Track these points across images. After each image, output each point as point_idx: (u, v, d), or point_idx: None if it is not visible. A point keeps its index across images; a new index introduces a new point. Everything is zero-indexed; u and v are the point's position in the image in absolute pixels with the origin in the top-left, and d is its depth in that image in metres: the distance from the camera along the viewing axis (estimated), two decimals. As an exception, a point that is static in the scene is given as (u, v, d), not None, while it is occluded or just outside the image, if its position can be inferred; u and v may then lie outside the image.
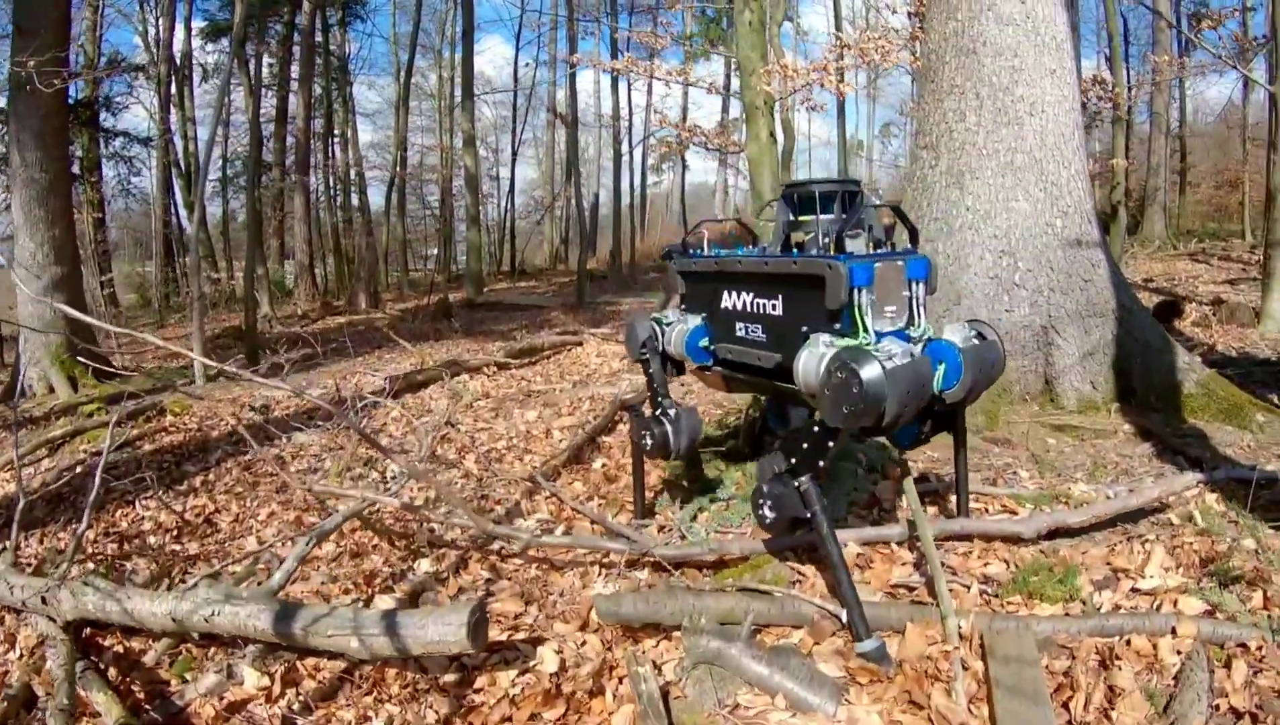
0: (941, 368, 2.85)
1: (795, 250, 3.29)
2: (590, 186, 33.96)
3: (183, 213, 26.25)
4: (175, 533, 4.97)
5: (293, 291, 24.56)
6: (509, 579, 3.61)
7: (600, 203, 33.52)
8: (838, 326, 2.87)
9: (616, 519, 4.06)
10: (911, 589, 3.25)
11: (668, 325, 3.67)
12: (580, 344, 10.36)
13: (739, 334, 3.35)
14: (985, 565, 3.46)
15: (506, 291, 25.20)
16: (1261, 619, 2.94)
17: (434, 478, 3.60)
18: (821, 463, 2.92)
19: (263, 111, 27.42)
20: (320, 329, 17.96)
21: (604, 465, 4.99)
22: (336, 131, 30.57)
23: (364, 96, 34.10)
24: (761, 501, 3.04)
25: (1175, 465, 4.82)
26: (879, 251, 3.10)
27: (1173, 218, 28.04)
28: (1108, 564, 3.47)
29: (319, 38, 26.88)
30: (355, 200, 29.94)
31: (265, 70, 27.88)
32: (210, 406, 8.78)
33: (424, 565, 3.82)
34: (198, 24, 27.58)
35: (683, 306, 3.70)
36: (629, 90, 34.44)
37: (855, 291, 2.78)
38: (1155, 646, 2.81)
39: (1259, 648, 2.78)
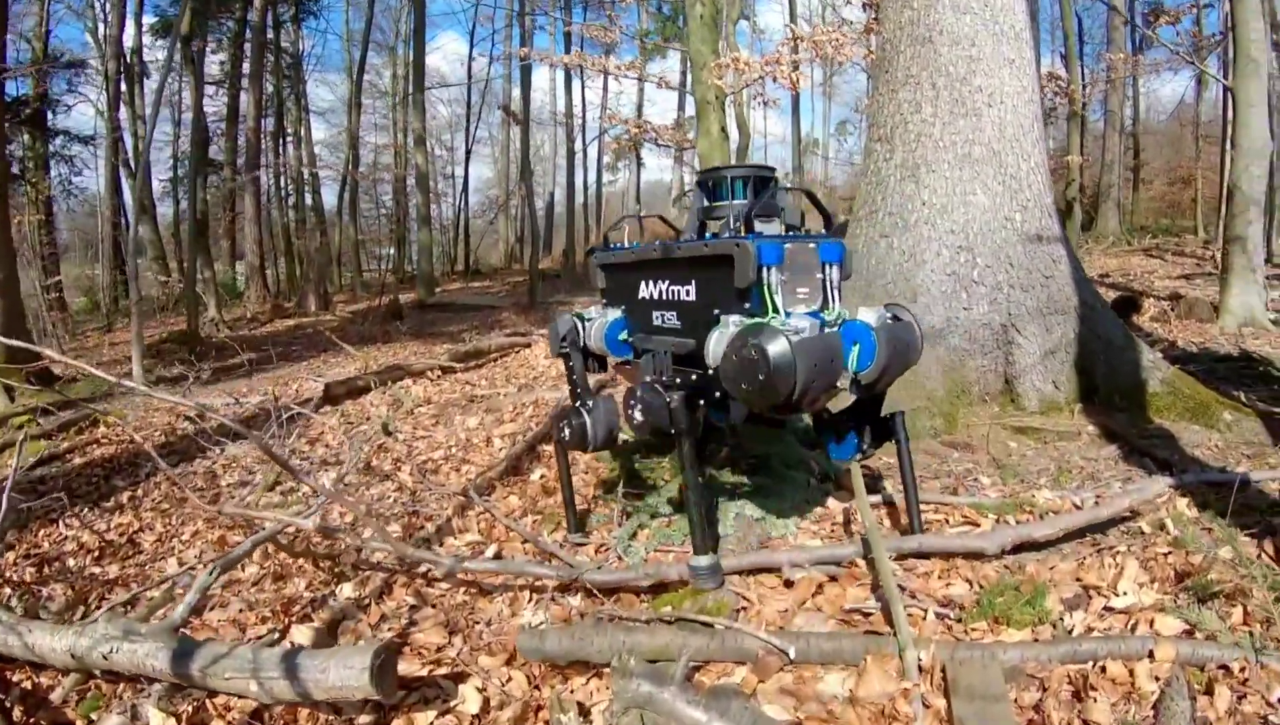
0: (856, 348, 2.85)
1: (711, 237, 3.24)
2: (545, 185, 33.74)
3: (133, 213, 25.42)
4: (97, 554, 4.68)
5: (243, 293, 24.08)
6: (434, 606, 3.30)
7: (555, 202, 33.23)
8: (748, 307, 2.85)
9: (553, 537, 3.78)
10: (867, 615, 2.98)
11: (588, 321, 3.64)
12: (529, 346, 10.04)
13: (655, 323, 3.34)
14: (947, 586, 3.21)
15: (460, 292, 24.84)
16: (1243, 638, 2.72)
17: (349, 498, 3.27)
18: (702, 403, 3.01)
19: (214, 110, 27.14)
20: (268, 332, 17.71)
21: (543, 477, 4.67)
22: (289, 130, 30.05)
23: (318, 95, 33.46)
24: (634, 403, 3.10)
25: (1143, 468, 4.64)
26: (791, 234, 3.12)
27: (1126, 214, 28.40)
28: (1077, 580, 3.24)
29: (271, 35, 26.38)
30: (309, 200, 29.43)
31: (218, 68, 27.37)
32: (145, 417, 8.42)
33: (346, 590, 3.50)
34: (149, 20, 26.92)
35: (604, 301, 3.70)
36: (583, 88, 34.37)
37: (764, 271, 2.79)
38: (1132, 672, 2.59)
39: (1242, 669, 2.56)
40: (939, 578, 3.27)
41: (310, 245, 25.84)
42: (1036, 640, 2.81)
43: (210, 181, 27.00)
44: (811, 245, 2.99)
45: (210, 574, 2.99)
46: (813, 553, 3.26)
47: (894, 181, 5.95)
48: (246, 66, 24.30)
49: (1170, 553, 3.39)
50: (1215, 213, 23.64)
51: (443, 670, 2.84)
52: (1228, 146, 20.93)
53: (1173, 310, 11.35)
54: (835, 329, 2.91)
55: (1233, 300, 10.71)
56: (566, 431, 3.53)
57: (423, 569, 3.55)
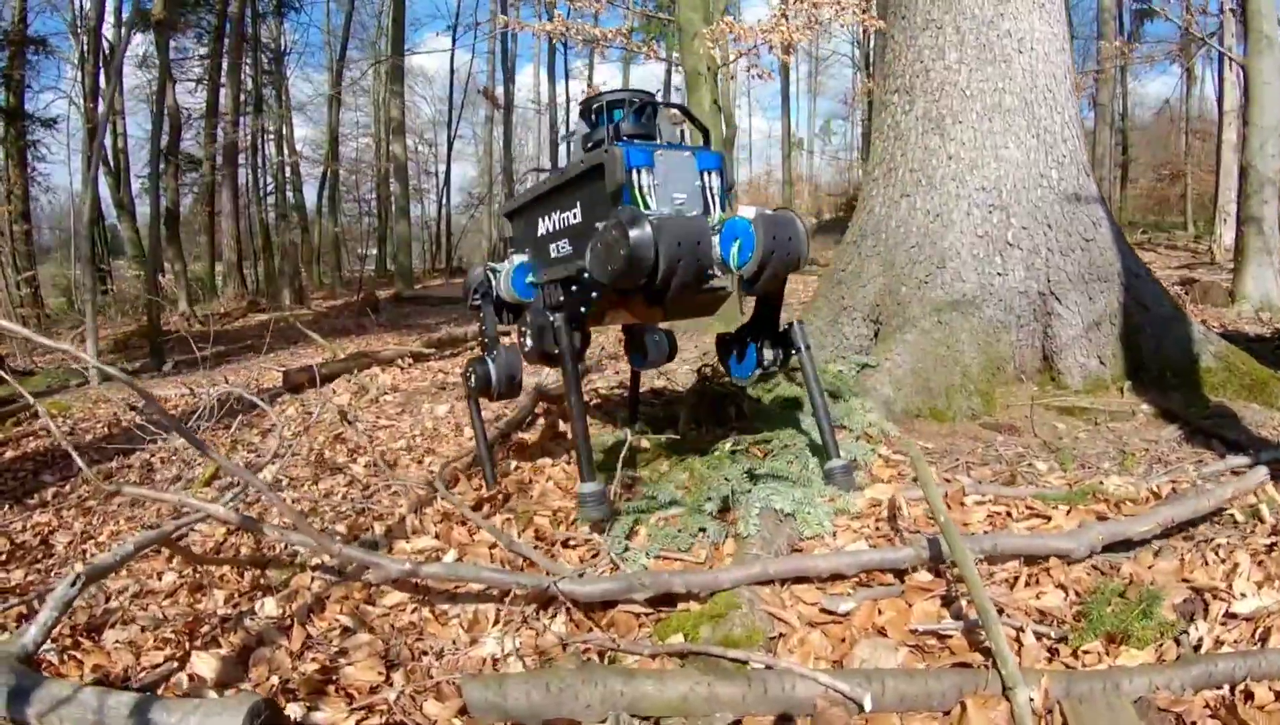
0: (737, 244, 2.83)
1: None
2: (529, 183, 33.06)
3: (111, 209, 24.85)
4: (4, 558, 4.05)
5: (219, 289, 23.42)
6: (373, 629, 2.55)
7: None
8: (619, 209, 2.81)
9: (527, 539, 3.07)
10: (944, 638, 2.28)
11: (497, 271, 3.67)
12: (508, 333, 9.29)
13: (553, 256, 3.34)
14: (1038, 596, 2.53)
15: (440, 287, 24.11)
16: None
17: (273, 493, 2.51)
18: (582, 310, 2.99)
19: (195, 104, 26.38)
20: (240, 327, 17.22)
21: (518, 467, 3.96)
22: (271, 127, 29.32)
23: (300, 91, 32.72)
24: (525, 330, 3.18)
25: (1210, 450, 4.08)
26: (665, 145, 3.08)
27: (1116, 210, 28.00)
28: (1184, 582, 2.59)
29: (254, 29, 25.71)
30: (290, 197, 28.74)
31: (198, 64, 26.67)
32: (89, 408, 7.71)
33: (269, 607, 2.76)
34: (129, 12, 26.07)
35: (511, 250, 3.74)
36: (566, 81, 33.72)
37: (634, 173, 2.82)
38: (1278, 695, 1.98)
39: None
40: (1026, 585, 2.59)
41: (286, 239, 25.07)
42: (1161, 660, 2.15)
43: (188, 177, 26.37)
44: (686, 153, 3.00)
45: (73, 585, 2.26)
46: (861, 557, 2.55)
47: (915, 135, 5.33)
48: (226, 61, 23.64)
49: (1276, 544, 2.79)
50: (1204, 210, 23.40)
51: (376, 722, 2.12)
52: (1227, 133, 20.85)
53: (1187, 295, 10.87)
54: (716, 230, 2.88)
55: (1248, 283, 10.35)
56: (473, 378, 3.53)
57: (363, 581, 2.83)
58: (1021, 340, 5.07)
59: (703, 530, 2.85)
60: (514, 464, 3.99)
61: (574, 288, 3.01)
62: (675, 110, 3.28)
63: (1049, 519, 3.14)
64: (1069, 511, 3.18)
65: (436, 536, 3.19)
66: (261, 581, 2.93)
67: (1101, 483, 3.46)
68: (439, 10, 66.91)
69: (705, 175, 3.03)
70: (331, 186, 28.55)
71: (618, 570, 2.68)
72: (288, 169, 29.00)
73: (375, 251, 32.49)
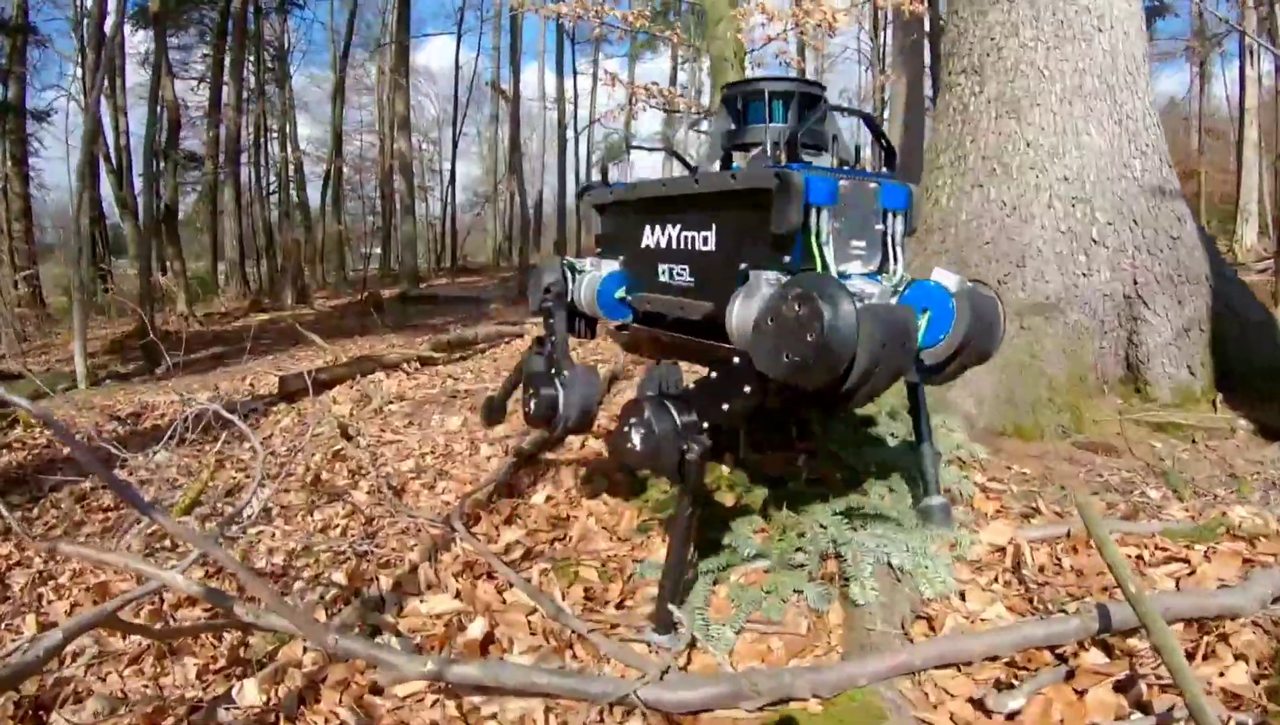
0: (925, 317, 2.19)
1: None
2: (534, 184, 32.76)
3: (112, 207, 24.44)
4: None
5: (221, 289, 22.98)
6: (380, 726, 1.99)
7: (545, 200, 32.27)
8: (787, 261, 2.13)
9: (574, 600, 2.49)
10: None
11: (580, 272, 2.93)
12: (521, 336, 8.71)
13: (661, 279, 2.60)
14: (1222, 672, 1.97)
15: (446, 287, 23.60)
16: None
17: (223, 551, 1.91)
18: (725, 409, 2.19)
19: (197, 102, 25.97)
20: (241, 327, 16.70)
21: (550, 499, 3.37)
22: (274, 125, 28.90)
23: (304, 90, 32.30)
24: (633, 423, 2.26)
25: None
26: (847, 169, 2.42)
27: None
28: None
29: (256, 26, 25.33)
30: (294, 196, 28.29)
31: (202, 63, 26.32)
32: (71, 415, 7.13)
33: (249, 692, 2.18)
34: (130, 10, 25.67)
35: (599, 251, 2.97)
36: (574, 77, 33.23)
37: (813, 213, 2.09)
38: None
39: None
40: (1205, 659, 2.04)
41: (289, 236, 24.58)
42: None
43: (191, 176, 26.02)
44: (873, 185, 2.29)
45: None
46: (1022, 633, 1.98)
47: (987, 119, 4.78)
48: (228, 58, 23.24)
49: None
50: (1216, 209, 22.88)
51: None
52: (1249, 131, 20.34)
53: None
54: (898, 299, 2.22)
55: (1297, 286, 9.69)
56: (533, 403, 2.84)
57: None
58: (1105, 348, 4.53)
59: (798, 592, 2.27)
60: (544, 494, 3.40)
61: (714, 390, 2.22)
62: (860, 117, 2.63)
63: (1187, 562, 2.63)
64: (1206, 552, 2.67)
65: (458, 595, 2.59)
66: (242, 652, 2.35)
67: (1224, 514, 2.99)
68: (443, 8, 66.19)
69: (890, 216, 2.32)
70: (335, 184, 28.04)
71: (693, 648, 2.11)
72: (291, 167, 28.61)
73: (379, 251, 32.02)
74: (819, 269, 2.10)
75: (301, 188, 29.14)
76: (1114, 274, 4.50)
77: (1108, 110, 4.66)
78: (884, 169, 2.51)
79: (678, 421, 2.19)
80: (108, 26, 23.05)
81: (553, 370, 2.88)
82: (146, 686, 2.30)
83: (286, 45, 29.47)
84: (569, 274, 2.94)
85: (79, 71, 23.33)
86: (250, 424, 5.64)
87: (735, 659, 2.06)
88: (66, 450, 5.90)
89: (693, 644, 2.11)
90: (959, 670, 1.97)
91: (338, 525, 3.49)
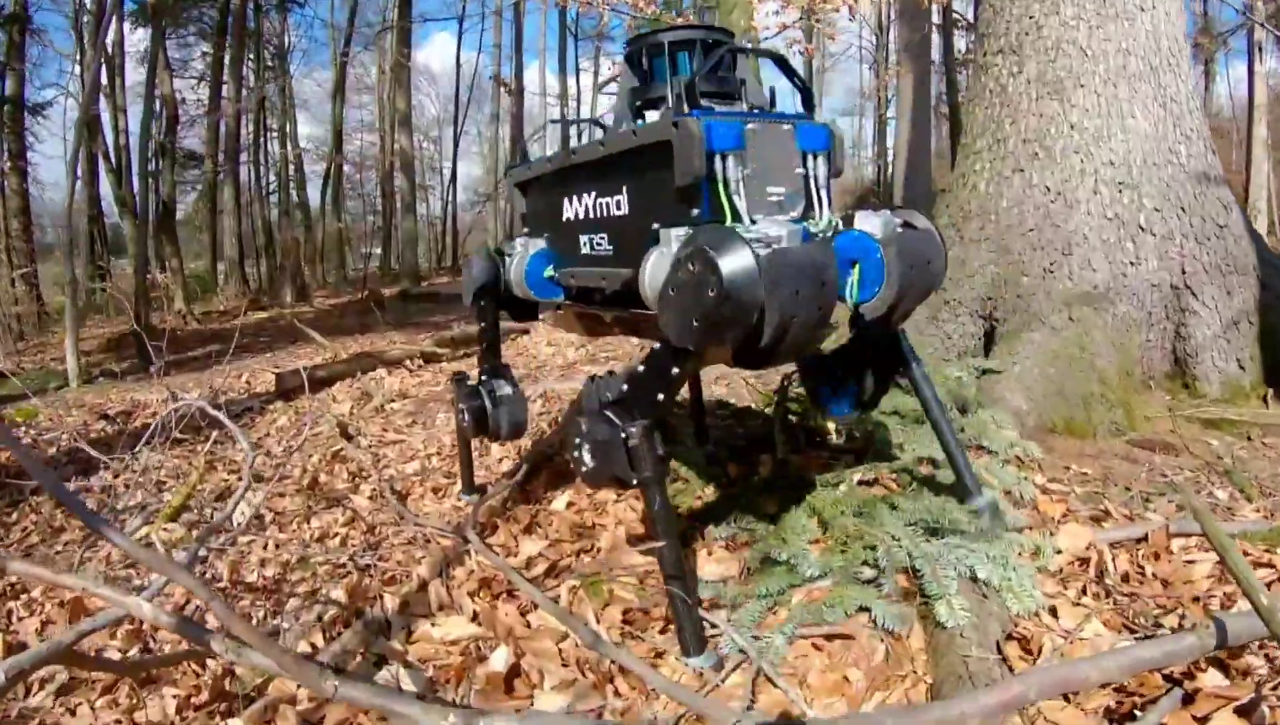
0: (855, 270, 2.08)
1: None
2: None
3: (112, 206, 24.18)
4: None
5: (220, 288, 22.76)
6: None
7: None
8: (696, 214, 2.01)
9: (610, 623, 2.20)
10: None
11: (509, 256, 2.87)
12: (527, 332, 8.42)
13: (584, 252, 2.53)
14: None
15: (447, 284, 23.27)
16: None
17: (184, 572, 1.59)
18: (660, 399, 2.02)
19: (193, 101, 25.73)
20: (239, 325, 16.42)
21: (573, 505, 3.09)
22: (275, 124, 28.64)
23: (304, 89, 32.04)
24: (580, 442, 2.09)
25: None
26: (755, 112, 2.23)
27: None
28: None
29: (256, 24, 25.11)
30: (294, 196, 28.01)
31: (201, 61, 26.09)
32: (59, 415, 6.86)
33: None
34: (130, 8, 25.44)
35: (526, 230, 2.91)
36: (578, 76, 33.00)
37: (717, 160, 1.96)
38: None
39: None
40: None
41: (288, 234, 24.32)
42: None
43: (190, 175, 25.75)
44: (786, 126, 2.12)
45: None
46: (1136, 655, 1.69)
47: (1027, 100, 4.53)
48: (228, 55, 22.97)
49: None
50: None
51: None
52: (1258, 129, 20.09)
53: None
54: (826, 240, 2.06)
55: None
56: (465, 415, 2.87)
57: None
58: (1151, 341, 4.28)
59: (864, 610, 1.99)
60: (566, 500, 3.11)
61: (642, 373, 2.06)
62: (770, 57, 2.39)
63: (1272, 567, 2.40)
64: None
65: (475, 617, 2.28)
66: (228, 684, 2.06)
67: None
68: (446, 7, 65.98)
69: (810, 158, 2.14)
70: (335, 182, 27.77)
71: (758, 674, 1.83)
72: (291, 166, 28.35)
73: (380, 251, 31.68)
74: (729, 219, 1.96)
75: (301, 187, 28.84)
76: (1161, 263, 4.25)
77: (1152, 93, 4.42)
78: (801, 110, 2.31)
79: (620, 427, 2.01)
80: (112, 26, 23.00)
81: (481, 378, 2.93)
82: (119, 721, 2.03)
83: (287, 44, 29.26)
84: (499, 261, 2.89)
85: (78, 70, 23.12)
86: (244, 424, 5.38)
87: (809, 695, 1.77)
88: (51, 451, 5.66)
89: (758, 673, 1.83)
90: (1066, 700, 1.70)
91: (337, 533, 3.20)
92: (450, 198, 35.63)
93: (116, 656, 2.38)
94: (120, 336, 15.05)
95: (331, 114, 27.27)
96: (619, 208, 2.30)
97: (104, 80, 23.63)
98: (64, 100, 25.01)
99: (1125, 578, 2.34)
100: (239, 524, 3.12)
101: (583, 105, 33.47)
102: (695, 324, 1.81)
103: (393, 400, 5.34)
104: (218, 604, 1.31)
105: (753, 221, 1.97)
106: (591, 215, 2.44)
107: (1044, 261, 4.23)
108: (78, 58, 22.83)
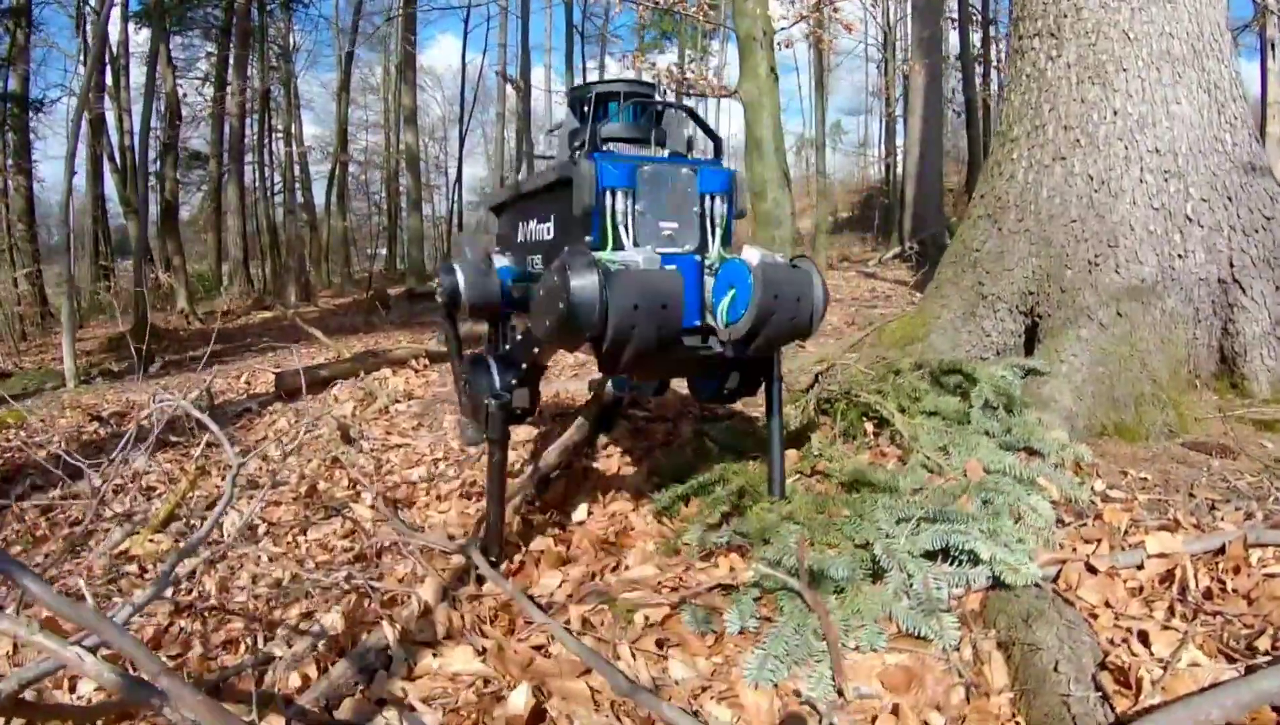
0: (730, 294, 2.31)
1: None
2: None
3: (117, 207, 24.05)
4: None
5: (224, 287, 22.62)
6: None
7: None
8: (589, 240, 2.34)
9: (645, 651, 1.95)
10: None
11: None
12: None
13: (530, 270, 2.86)
14: None
15: (454, 284, 23.03)
16: None
17: (130, 635, 1.33)
18: (524, 366, 2.54)
19: (197, 101, 25.59)
20: (242, 325, 16.27)
21: (594, 515, 2.84)
22: (279, 124, 28.46)
23: (309, 89, 31.93)
24: (463, 383, 2.79)
25: None
26: (656, 156, 2.55)
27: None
28: None
29: (260, 23, 24.96)
30: (299, 196, 27.83)
31: (205, 62, 25.94)
32: (52, 417, 6.62)
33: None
34: (135, 8, 25.32)
35: (496, 249, 3.18)
36: (584, 74, 32.80)
37: (608, 195, 2.31)
38: None
39: None
40: None
41: (293, 233, 24.12)
42: None
43: (195, 175, 25.99)
44: (685, 170, 2.44)
45: None
46: (1253, 688, 1.45)
47: (1067, 85, 4.29)
48: (232, 55, 22.81)
49: None
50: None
51: None
52: (1272, 126, 19.80)
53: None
54: (673, 271, 2.29)
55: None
56: (463, 437, 3.25)
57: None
58: (1198, 338, 4.04)
59: (930, 638, 1.75)
60: (585, 508, 2.87)
61: (521, 348, 2.52)
62: (683, 111, 2.75)
63: None
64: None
65: (484, 653, 2.02)
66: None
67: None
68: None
69: (707, 200, 2.46)
70: (340, 182, 27.60)
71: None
72: (296, 166, 28.18)
73: (385, 251, 31.52)
74: (610, 245, 2.28)
75: (306, 186, 28.68)
76: (1209, 256, 4.01)
77: (1196, 78, 4.19)
78: (713, 156, 2.66)
79: (495, 380, 2.58)
80: (113, 30, 22.87)
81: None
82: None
83: (291, 43, 29.13)
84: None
85: (82, 70, 22.96)
86: (242, 426, 5.15)
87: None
88: (42, 453, 5.42)
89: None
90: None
91: (334, 547, 2.96)
92: (455, 197, 35.50)
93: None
94: (121, 336, 14.91)
95: (336, 112, 27.09)
96: (548, 233, 2.66)
97: (109, 80, 23.55)
98: (68, 100, 24.88)
99: (1208, 594, 2.11)
100: (229, 536, 2.89)
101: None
102: (548, 325, 2.15)
103: (398, 401, 5.08)
104: (167, 679, 1.07)
105: (635, 246, 2.30)
106: (533, 238, 2.80)
107: (1088, 254, 3.99)
108: (81, 57, 22.69)
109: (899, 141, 24.61)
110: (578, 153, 2.51)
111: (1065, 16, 4.32)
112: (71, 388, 8.85)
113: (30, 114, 21.03)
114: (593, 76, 35.38)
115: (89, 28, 22.50)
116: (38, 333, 18.05)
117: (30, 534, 3.58)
